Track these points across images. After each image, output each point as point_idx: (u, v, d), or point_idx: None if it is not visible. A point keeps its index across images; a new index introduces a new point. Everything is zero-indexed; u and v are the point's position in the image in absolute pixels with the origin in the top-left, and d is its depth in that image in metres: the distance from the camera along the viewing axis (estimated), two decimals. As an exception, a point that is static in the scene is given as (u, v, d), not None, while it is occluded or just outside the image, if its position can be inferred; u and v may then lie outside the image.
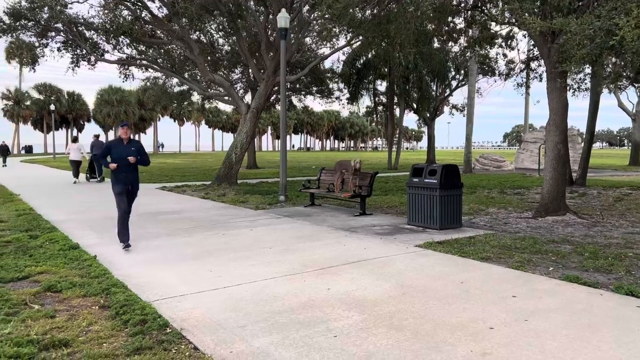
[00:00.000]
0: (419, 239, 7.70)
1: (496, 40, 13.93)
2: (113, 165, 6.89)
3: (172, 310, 4.40)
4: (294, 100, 31.08)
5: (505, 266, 5.97)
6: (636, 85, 20.56)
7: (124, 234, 7.06)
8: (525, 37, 15.50)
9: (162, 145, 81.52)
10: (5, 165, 30.19)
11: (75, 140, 20.05)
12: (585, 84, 14.88)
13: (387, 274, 5.63)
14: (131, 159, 6.97)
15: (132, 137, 7.38)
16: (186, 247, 7.15)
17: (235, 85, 27.40)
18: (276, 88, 18.08)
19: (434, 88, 32.47)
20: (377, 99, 32.73)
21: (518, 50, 14.74)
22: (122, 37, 16.26)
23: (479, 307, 4.49)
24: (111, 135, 70.48)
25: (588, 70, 13.69)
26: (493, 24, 12.04)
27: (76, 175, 18.91)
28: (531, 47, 16.50)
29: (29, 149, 69.06)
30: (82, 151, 19.20)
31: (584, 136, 18.92)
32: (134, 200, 7.31)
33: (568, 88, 10.81)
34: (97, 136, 19.67)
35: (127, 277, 5.47)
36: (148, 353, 3.49)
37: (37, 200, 12.63)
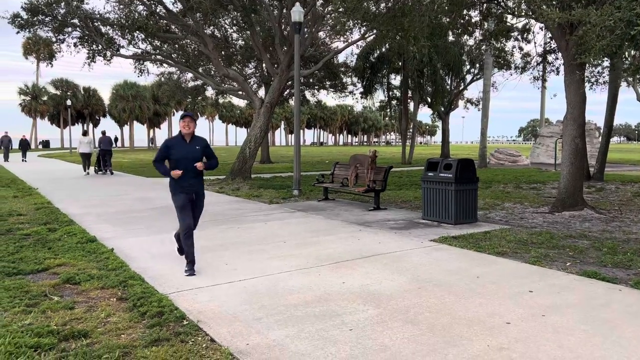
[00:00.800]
0: (434, 233, 7.66)
1: (512, 33, 13.75)
2: (177, 173, 5.40)
3: (189, 303, 4.44)
4: (308, 94, 31.03)
5: (522, 261, 5.92)
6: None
7: (190, 253, 5.48)
8: (542, 30, 15.31)
9: None
10: (25, 160, 30.67)
11: (85, 134, 21.27)
12: (604, 77, 14.63)
13: (403, 268, 5.61)
14: (199, 165, 5.50)
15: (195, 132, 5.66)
16: (201, 240, 7.20)
17: (249, 80, 27.47)
18: (290, 82, 18.07)
19: (449, 82, 32.18)
20: (391, 93, 32.52)
21: (535, 43, 14.55)
22: (137, 32, 16.42)
23: (496, 301, 4.46)
24: (126, 131, 71.21)
25: (606, 63, 13.46)
26: (509, 16, 11.88)
27: (86, 167, 20.00)
28: (548, 40, 16.25)
29: (46, 144, 70.02)
30: (92, 145, 20.36)
31: (602, 130, 18.61)
32: (201, 212, 5.82)
33: (586, 81, 10.64)
34: (104, 132, 20.97)
35: (144, 270, 5.53)
36: (166, 344, 3.53)
37: (55, 194, 12.81)
